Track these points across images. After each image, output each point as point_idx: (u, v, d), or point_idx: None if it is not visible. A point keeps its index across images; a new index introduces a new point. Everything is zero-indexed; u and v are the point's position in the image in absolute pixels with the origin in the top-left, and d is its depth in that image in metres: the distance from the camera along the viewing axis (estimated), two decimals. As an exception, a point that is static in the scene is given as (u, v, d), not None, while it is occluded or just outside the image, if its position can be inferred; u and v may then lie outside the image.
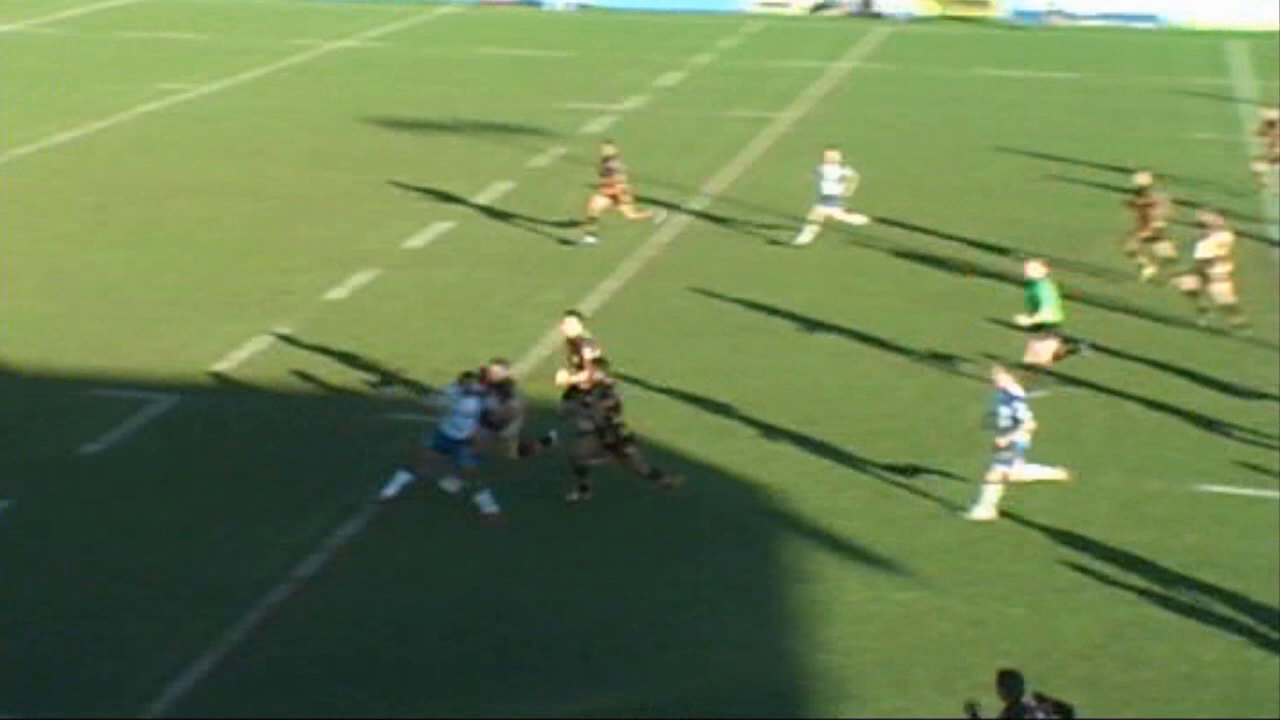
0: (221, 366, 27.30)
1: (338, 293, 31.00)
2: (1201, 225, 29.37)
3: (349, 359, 27.62)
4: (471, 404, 21.95)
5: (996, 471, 21.79)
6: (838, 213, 33.74)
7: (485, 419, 22.30)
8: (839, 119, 45.43)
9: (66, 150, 41.60)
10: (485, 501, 21.85)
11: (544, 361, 26.76)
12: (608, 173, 33.66)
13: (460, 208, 36.73)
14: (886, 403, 26.00)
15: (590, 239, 33.51)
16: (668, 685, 18.04)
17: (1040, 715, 14.52)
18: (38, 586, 20.01)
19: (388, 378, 26.77)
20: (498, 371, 23.00)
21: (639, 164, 36.02)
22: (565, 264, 32.68)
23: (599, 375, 22.44)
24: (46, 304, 29.94)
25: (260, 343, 28.36)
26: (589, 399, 22.40)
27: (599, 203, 33.57)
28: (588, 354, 23.16)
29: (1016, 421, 21.51)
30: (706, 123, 45.85)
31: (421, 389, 26.06)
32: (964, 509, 21.92)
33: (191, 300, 30.49)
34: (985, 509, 21.82)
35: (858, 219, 33.77)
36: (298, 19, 64.03)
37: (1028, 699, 14.56)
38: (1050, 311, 26.04)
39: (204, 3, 67.85)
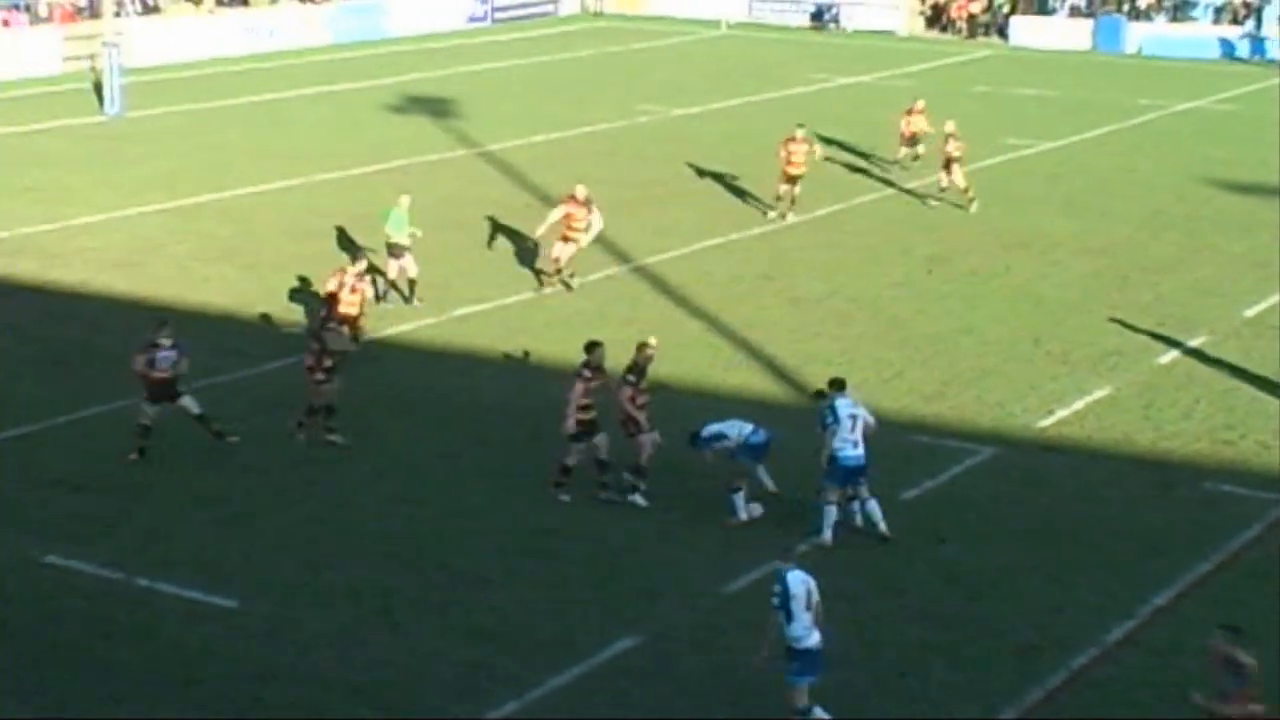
0: (1044, 422, 27.36)
1: (1168, 357, 30.51)
2: None
3: (1173, 425, 27.14)
4: None
5: None
6: None
7: None
8: None
9: (905, 201, 42.76)
10: None
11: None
12: None
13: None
14: None
15: None
16: None
17: None
18: (851, 619, 20.68)
19: (1209, 449, 26.19)
20: None
21: None
22: None
23: None
24: (880, 349, 30.85)
25: (1085, 401, 28.27)
26: None
27: None
28: None
29: None
30: None
31: (1243, 465, 25.33)
32: None
33: (1021, 354, 30.70)
34: None
35: None
36: (1149, 77, 63.49)
37: None
38: None
39: (1051, 59, 68.36)
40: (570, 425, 23.57)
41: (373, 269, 32.62)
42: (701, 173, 45.18)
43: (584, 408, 23.56)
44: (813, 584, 17.64)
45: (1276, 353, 30.60)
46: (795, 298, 34.12)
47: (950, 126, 41.28)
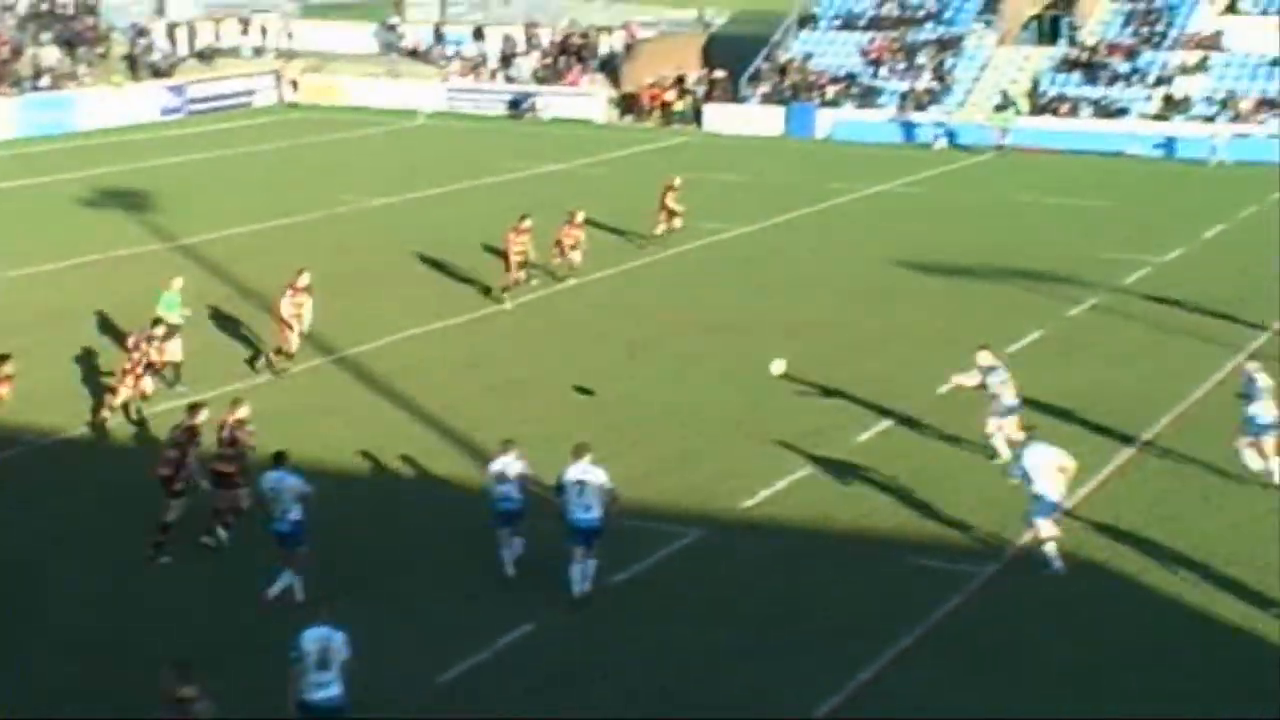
0: (749, 503, 27.69)
1: (867, 434, 31.13)
2: None
3: (872, 501, 27.68)
4: None
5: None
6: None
7: None
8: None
9: (606, 284, 43.15)
10: None
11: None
12: None
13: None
14: None
15: None
16: None
17: None
18: (570, 703, 20.63)
19: (909, 523, 26.76)
20: None
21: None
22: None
23: None
24: (586, 433, 30.79)
25: (787, 481, 28.67)
26: None
27: None
28: None
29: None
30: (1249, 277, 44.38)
31: (941, 539, 25.94)
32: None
33: (725, 436, 31.07)
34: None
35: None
36: (836, 163, 65.11)
37: None
38: None
39: (744, 145, 69.72)
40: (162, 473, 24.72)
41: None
42: (405, 261, 45.01)
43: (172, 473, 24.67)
44: (336, 641, 18.24)
45: (972, 428, 31.39)
46: (499, 384, 34.12)
47: (580, 217, 43.17)
